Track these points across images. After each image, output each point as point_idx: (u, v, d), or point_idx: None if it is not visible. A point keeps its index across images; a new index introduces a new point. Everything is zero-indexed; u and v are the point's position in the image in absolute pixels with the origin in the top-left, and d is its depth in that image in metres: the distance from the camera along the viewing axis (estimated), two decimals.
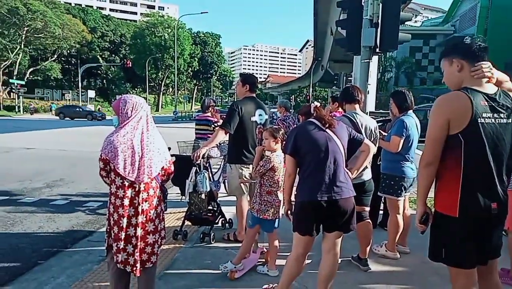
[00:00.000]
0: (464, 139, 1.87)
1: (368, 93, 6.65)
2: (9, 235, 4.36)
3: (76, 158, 10.24)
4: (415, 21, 63.18)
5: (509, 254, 3.08)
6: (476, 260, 1.97)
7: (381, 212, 4.59)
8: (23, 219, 4.93)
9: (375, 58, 6.84)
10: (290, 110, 6.23)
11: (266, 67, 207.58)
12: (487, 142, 1.88)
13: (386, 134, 3.72)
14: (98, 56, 56.58)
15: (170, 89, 64.89)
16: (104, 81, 61.39)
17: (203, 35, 65.86)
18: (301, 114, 2.83)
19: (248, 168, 3.91)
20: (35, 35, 44.49)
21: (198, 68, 63.10)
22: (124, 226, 2.28)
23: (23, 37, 43.58)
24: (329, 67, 40.92)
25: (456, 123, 1.88)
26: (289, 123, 5.94)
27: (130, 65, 47.32)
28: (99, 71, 59.11)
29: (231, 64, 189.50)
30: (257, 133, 3.95)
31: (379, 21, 6.26)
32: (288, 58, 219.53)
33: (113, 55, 59.90)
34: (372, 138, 3.39)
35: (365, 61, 6.50)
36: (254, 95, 4.17)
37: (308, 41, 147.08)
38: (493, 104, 1.91)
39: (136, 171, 2.26)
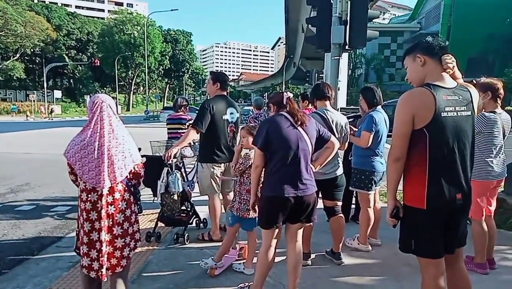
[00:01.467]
0: (428, 133, 1.94)
1: (338, 89, 6.76)
2: None
3: (42, 161, 9.85)
4: (383, 19, 64.84)
5: (473, 242, 3.21)
6: (444, 249, 2.05)
7: (353, 206, 4.68)
8: None
9: (345, 55, 6.96)
10: (264, 108, 6.22)
11: (239, 64, 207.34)
12: (451, 135, 1.95)
13: (356, 129, 3.79)
14: (64, 55, 54.57)
15: (141, 88, 63.60)
16: (71, 81, 59.35)
17: (174, 33, 64.86)
18: (273, 103, 2.80)
19: (220, 166, 3.88)
20: None
21: (169, 66, 62.12)
22: (87, 230, 2.21)
23: None
24: (301, 64, 41.39)
25: (420, 118, 1.94)
26: (260, 121, 5.94)
27: (98, 64, 45.89)
28: (65, 71, 57.08)
29: (203, 62, 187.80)
30: (228, 131, 3.94)
31: (348, 18, 6.36)
32: (260, 55, 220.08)
33: (80, 54, 57.91)
34: (343, 134, 3.44)
35: (335, 58, 6.59)
36: (225, 93, 4.14)
37: (280, 38, 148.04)
38: (454, 98, 1.98)
39: (97, 176, 2.18)
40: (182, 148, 3.98)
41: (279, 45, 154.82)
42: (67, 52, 55.91)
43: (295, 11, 29.16)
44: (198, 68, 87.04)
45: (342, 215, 3.51)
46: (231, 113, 4.00)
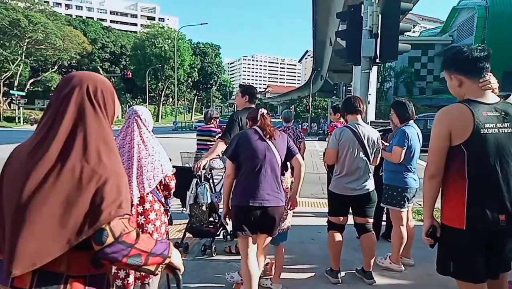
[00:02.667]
0: (466, 150, 1.86)
1: (368, 103, 6.66)
2: None
3: None
4: (413, 31, 63.80)
5: None
6: (485, 274, 1.94)
7: (384, 223, 4.55)
8: None
9: (374, 68, 6.87)
10: (291, 120, 6.20)
11: (265, 77, 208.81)
12: (491, 152, 1.87)
13: (388, 144, 3.71)
14: (98, 67, 56.89)
15: (170, 99, 65.13)
16: None
17: (203, 46, 66.39)
18: (248, 118, 2.99)
19: None
20: (36, 47, 44.77)
21: (198, 78, 63.48)
22: None
23: (24, 49, 43.85)
24: (329, 77, 41.18)
25: (458, 134, 1.88)
26: (288, 134, 5.90)
27: (130, 76, 47.64)
28: None
29: (230, 74, 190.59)
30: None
31: (379, 31, 6.31)
32: (287, 68, 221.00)
33: (114, 66, 60.30)
34: (375, 149, 3.37)
35: (365, 71, 6.53)
36: (253, 105, 4.17)
37: (307, 51, 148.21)
38: (495, 114, 1.90)
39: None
40: (211, 159, 4.01)
41: (306, 58, 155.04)
42: (101, 65, 58.32)
43: (323, 24, 29.20)
44: (226, 81, 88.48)
45: (373, 232, 3.41)
46: None
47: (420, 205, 4.97)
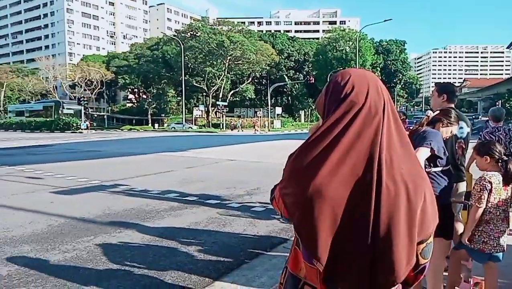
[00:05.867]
0: None
1: None
2: (221, 233, 5.17)
3: (268, 169, 11.37)
4: None
5: None
6: None
7: None
8: (231, 221, 5.77)
9: None
10: (502, 119, 5.21)
11: (461, 70, 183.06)
12: None
13: None
14: (284, 76, 61.98)
15: None
16: (289, 98, 66.63)
17: (386, 44, 63.61)
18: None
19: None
20: (235, 62, 52.33)
21: (380, 77, 60.97)
22: None
23: (227, 65, 51.88)
24: None
25: None
26: (498, 136, 4.99)
27: (313, 81, 49.79)
28: (284, 89, 64.64)
29: (417, 70, 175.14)
30: (457, 148, 3.48)
31: None
32: (490, 57, 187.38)
33: (297, 73, 64.47)
34: None
35: None
36: (453, 105, 3.70)
37: None
38: None
39: None
40: None
41: None
42: (286, 73, 63.33)
43: None
44: (412, 78, 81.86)
45: None
46: (461, 127, 3.53)
47: None
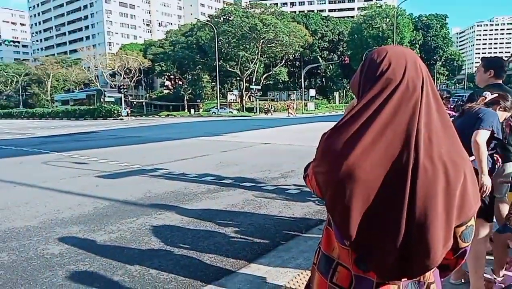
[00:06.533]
0: None
1: None
2: (257, 215, 5.25)
3: (302, 152, 11.32)
4: None
5: None
6: None
7: None
8: (266, 203, 5.84)
9: None
10: None
11: (508, 43, 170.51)
12: None
13: None
14: (318, 57, 60.70)
15: None
16: (323, 80, 65.35)
17: (425, 19, 60.43)
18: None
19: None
20: (268, 45, 51.85)
21: (419, 55, 58.20)
22: None
23: (260, 48, 51.52)
24: None
25: None
26: None
27: (348, 61, 48.44)
28: (318, 71, 63.39)
29: (460, 46, 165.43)
30: (504, 126, 3.29)
31: None
32: None
33: (331, 54, 62.91)
34: None
35: None
36: (501, 81, 3.49)
37: None
38: None
39: None
40: None
41: None
42: (320, 54, 61.96)
43: None
44: (454, 54, 77.45)
45: None
46: None
47: None
